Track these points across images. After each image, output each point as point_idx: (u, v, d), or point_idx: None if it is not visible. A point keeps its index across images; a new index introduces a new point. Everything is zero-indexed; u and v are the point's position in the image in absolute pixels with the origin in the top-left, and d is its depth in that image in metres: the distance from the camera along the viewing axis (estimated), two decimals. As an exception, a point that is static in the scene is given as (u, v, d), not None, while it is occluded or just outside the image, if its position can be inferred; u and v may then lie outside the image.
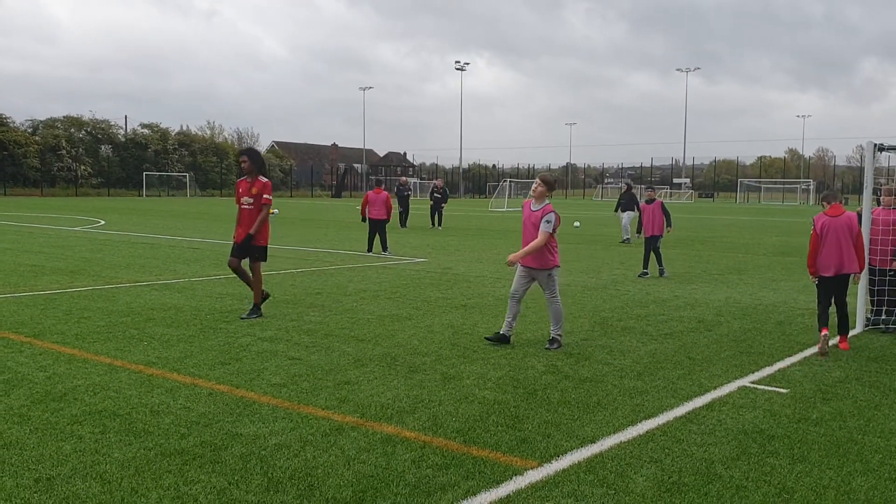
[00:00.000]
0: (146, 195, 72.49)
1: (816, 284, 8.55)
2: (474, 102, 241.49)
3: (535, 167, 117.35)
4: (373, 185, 20.57)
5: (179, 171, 79.32)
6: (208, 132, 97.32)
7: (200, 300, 10.78)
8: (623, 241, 23.18)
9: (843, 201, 9.31)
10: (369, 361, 7.30)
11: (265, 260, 9.91)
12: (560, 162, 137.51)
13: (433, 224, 29.25)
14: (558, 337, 8.10)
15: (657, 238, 14.85)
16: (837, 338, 8.49)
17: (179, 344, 7.95)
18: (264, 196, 9.76)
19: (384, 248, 18.54)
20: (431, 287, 12.55)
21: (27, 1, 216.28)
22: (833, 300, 8.41)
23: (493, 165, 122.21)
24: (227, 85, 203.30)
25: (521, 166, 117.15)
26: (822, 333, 8.02)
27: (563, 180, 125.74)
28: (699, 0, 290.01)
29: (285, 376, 6.70)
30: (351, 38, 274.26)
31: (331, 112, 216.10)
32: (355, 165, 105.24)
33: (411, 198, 31.58)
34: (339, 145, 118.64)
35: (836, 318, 8.51)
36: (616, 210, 24.18)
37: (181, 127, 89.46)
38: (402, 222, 29.38)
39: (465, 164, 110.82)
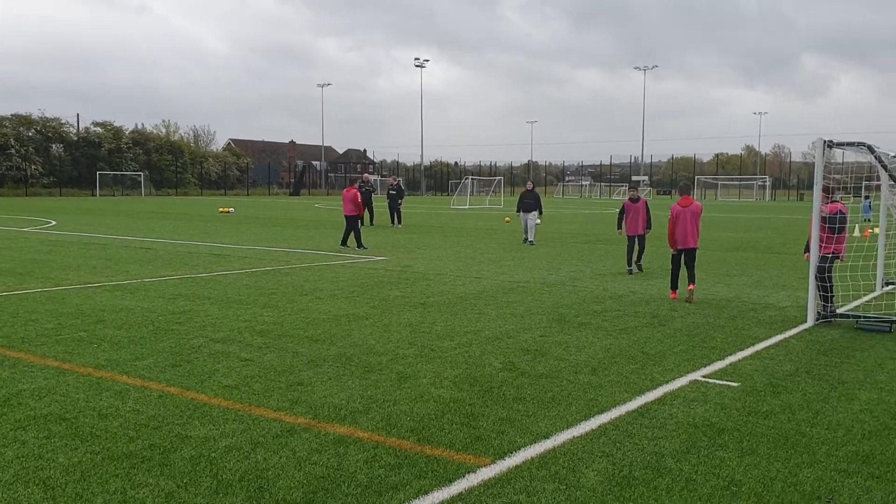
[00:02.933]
0: (100, 195, 71.04)
1: (672, 255, 11.62)
2: (425, 99, 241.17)
3: (497, 165, 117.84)
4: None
5: (134, 170, 77.84)
6: (163, 130, 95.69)
7: (153, 301, 10.59)
8: (525, 241, 21.15)
9: (693, 194, 11.80)
10: (323, 362, 7.24)
11: None
12: (522, 159, 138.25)
13: (392, 222, 29.16)
14: None
15: (642, 237, 14.75)
16: (689, 287, 11.33)
17: (130, 346, 7.80)
18: None
19: (357, 244, 19.51)
20: (390, 285, 12.50)
21: None
22: (684, 265, 11.54)
23: (455, 163, 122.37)
24: (170, 81, 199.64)
25: (482, 164, 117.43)
26: (673, 297, 11.46)
27: (525, 178, 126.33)
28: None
29: (237, 378, 6.61)
30: (288, 32, 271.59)
31: (281, 108, 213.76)
32: (314, 163, 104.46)
33: (374, 195, 31.37)
34: (297, 142, 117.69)
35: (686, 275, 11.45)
36: (518, 210, 21.92)
37: (135, 125, 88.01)
38: (366, 220, 29.21)
39: (426, 162, 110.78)
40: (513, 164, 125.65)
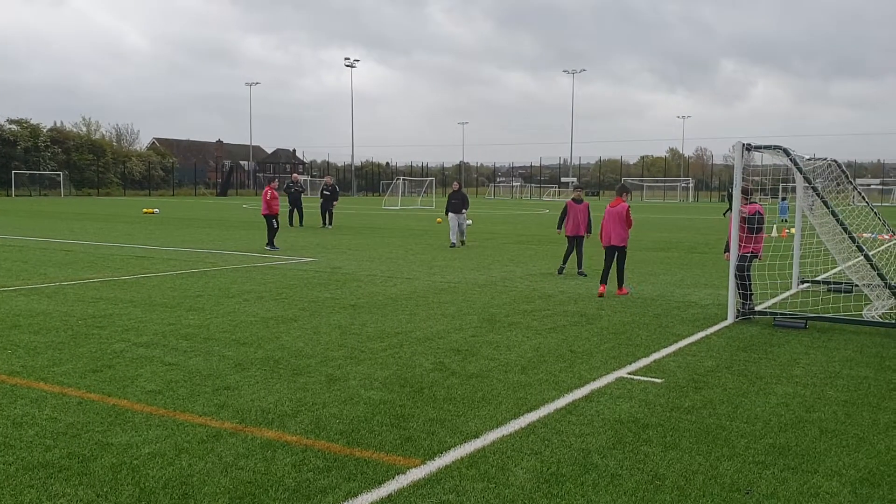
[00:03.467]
0: (15, 195, 68.21)
1: (606, 251, 12.42)
2: (355, 99, 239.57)
3: (429, 165, 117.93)
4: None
5: (52, 170, 74.96)
6: (84, 129, 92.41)
7: (72, 305, 10.23)
8: (452, 245, 20.45)
9: (629, 196, 12.57)
10: (251, 365, 7.11)
11: None
12: (453, 160, 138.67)
13: (323, 223, 28.87)
14: None
15: (581, 238, 14.75)
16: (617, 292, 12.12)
17: (47, 351, 7.51)
18: None
19: (266, 243, 19.88)
20: (319, 287, 12.38)
21: None
22: (615, 261, 12.32)
23: (387, 163, 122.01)
24: (91, 79, 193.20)
25: (414, 164, 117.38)
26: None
27: (458, 178, 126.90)
28: (559, 1, 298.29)
29: (161, 383, 6.43)
30: (213, 29, 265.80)
31: (207, 107, 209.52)
32: (242, 163, 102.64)
33: (304, 195, 30.95)
34: (224, 142, 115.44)
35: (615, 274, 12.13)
36: (447, 212, 21.09)
37: (54, 123, 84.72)
38: (290, 220, 28.85)
39: (357, 162, 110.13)
40: (444, 165, 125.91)
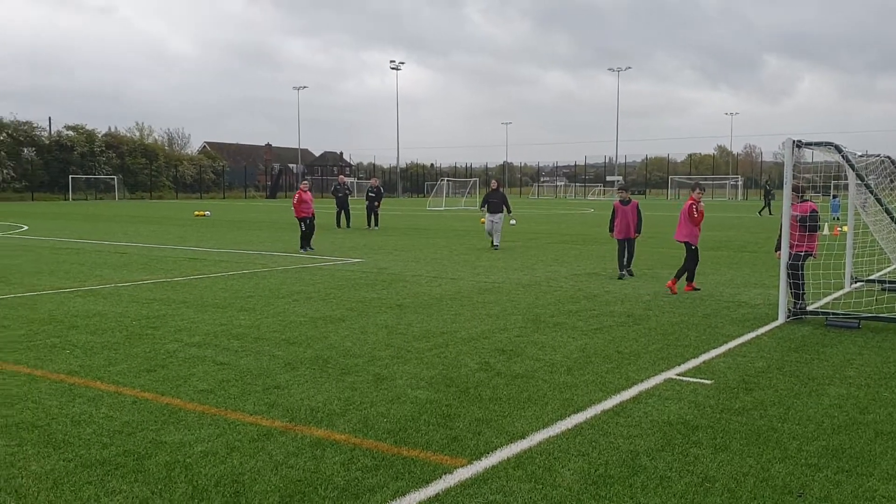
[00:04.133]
0: (73, 199, 70.14)
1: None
2: (394, 101, 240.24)
3: (473, 166, 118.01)
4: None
5: (107, 174, 76.93)
6: (137, 133, 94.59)
7: (127, 306, 10.50)
8: (495, 247, 19.80)
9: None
10: (300, 364, 7.22)
11: None
12: (497, 161, 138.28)
13: (369, 224, 29.10)
14: None
15: (632, 241, 14.22)
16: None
17: (104, 351, 7.72)
18: None
19: (300, 245, 20.04)
20: (366, 287, 12.49)
21: None
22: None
23: (431, 165, 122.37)
24: (140, 83, 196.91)
25: (458, 165, 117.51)
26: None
27: (501, 179, 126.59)
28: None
29: (212, 382, 6.57)
30: (257, 33, 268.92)
31: (254, 111, 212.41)
32: (290, 165, 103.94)
33: (351, 197, 31.15)
34: (273, 145, 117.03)
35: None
36: (483, 210, 20.55)
37: (109, 128, 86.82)
38: (337, 222, 29.16)
39: (402, 164, 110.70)
40: (488, 166, 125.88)
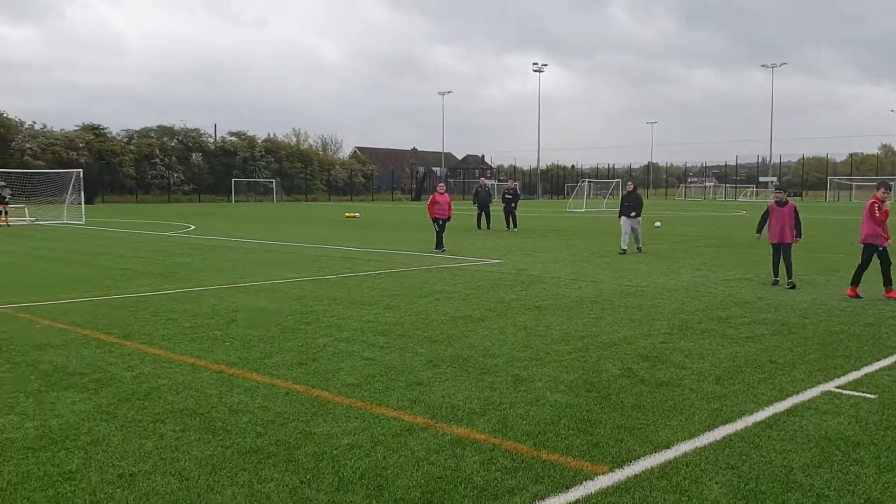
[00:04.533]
0: (235, 201, 74.84)
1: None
2: (534, 104, 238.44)
3: (616, 167, 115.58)
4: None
5: (266, 178, 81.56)
6: (293, 139, 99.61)
7: (281, 302, 11.06)
8: (622, 252, 18.57)
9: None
10: (442, 362, 7.34)
11: None
12: (641, 161, 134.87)
13: (508, 226, 29.15)
14: None
15: (788, 246, 13.03)
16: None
17: (260, 344, 8.17)
18: None
19: (435, 245, 20.30)
20: (505, 288, 12.52)
21: (90, 15, 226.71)
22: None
23: (572, 166, 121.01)
24: (295, 93, 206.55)
25: (600, 166, 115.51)
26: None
27: (645, 180, 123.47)
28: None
29: (359, 376, 6.80)
30: (403, 43, 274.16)
31: (400, 117, 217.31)
32: (434, 168, 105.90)
33: (493, 199, 31.30)
34: (419, 149, 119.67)
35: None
36: (620, 215, 19.56)
37: (267, 134, 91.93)
38: (478, 223, 29.41)
39: (543, 165, 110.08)
40: (631, 166, 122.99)
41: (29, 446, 5.01)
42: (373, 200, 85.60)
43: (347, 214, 43.01)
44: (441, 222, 20.48)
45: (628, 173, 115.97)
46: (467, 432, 5.32)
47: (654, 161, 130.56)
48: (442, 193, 21.21)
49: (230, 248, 20.87)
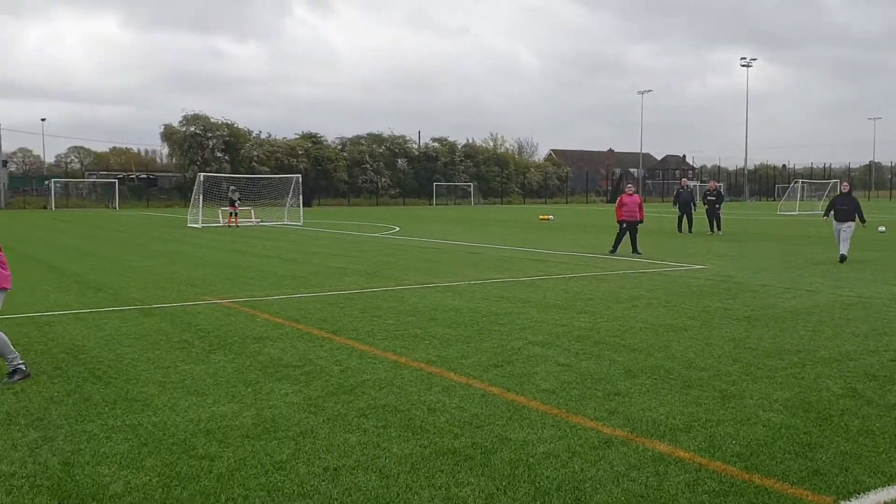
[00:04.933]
0: (436, 204, 77.44)
1: None
2: (742, 100, 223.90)
3: (832, 167, 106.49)
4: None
5: (465, 181, 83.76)
6: (490, 143, 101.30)
7: (478, 302, 11.19)
8: (842, 258, 17.17)
9: None
10: (641, 373, 7.05)
11: None
12: (861, 160, 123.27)
13: (711, 229, 27.72)
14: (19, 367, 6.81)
15: None
16: None
17: (457, 344, 8.29)
18: None
19: (611, 248, 19.69)
20: (710, 296, 11.85)
21: (309, 33, 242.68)
22: None
23: (783, 165, 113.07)
24: (491, 97, 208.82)
25: (814, 166, 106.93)
26: None
27: (866, 180, 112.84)
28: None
29: (555, 382, 6.69)
30: (597, 42, 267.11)
31: (596, 118, 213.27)
32: (631, 170, 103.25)
33: (696, 201, 29.88)
34: (615, 150, 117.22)
35: None
36: (826, 214, 18.45)
37: (466, 140, 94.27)
38: (679, 226, 28.24)
39: (750, 165, 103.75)
40: (850, 166, 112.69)
41: (246, 434, 5.38)
42: (567, 203, 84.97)
43: (542, 217, 42.98)
44: (626, 225, 19.47)
45: (846, 173, 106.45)
46: (670, 449, 5.04)
47: (876, 160, 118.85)
48: (630, 195, 19.98)
49: (431, 248, 21.51)
